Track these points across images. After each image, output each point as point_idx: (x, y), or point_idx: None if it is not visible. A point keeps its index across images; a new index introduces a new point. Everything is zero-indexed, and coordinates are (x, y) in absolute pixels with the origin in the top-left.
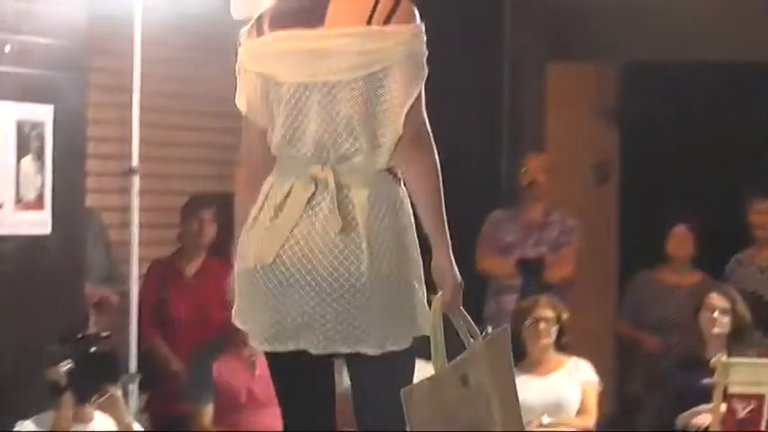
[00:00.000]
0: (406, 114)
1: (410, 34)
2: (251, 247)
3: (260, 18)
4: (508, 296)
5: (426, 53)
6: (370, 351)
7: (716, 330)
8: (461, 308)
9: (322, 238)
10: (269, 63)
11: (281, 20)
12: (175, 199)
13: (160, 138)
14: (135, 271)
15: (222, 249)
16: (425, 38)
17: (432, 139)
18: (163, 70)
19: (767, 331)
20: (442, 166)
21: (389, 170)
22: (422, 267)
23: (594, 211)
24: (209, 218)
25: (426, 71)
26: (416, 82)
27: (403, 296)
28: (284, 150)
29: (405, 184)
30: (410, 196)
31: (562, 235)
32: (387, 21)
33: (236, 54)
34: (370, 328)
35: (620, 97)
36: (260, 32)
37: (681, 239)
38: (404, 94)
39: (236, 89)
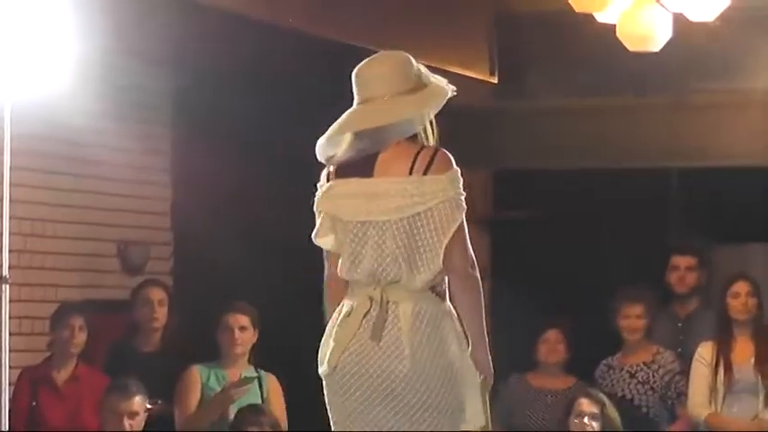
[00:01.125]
0: (450, 249)
1: (447, 181)
2: (324, 355)
3: (329, 169)
4: None
5: (463, 194)
6: None
7: None
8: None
9: (372, 345)
10: (336, 205)
11: (343, 170)
12: (46, 307)
13: (30, 246)
14: (5, 379)
15: (93, 357)
16: (462, 181)
17: (478, 275)
18: (33, 179)
19: None
20: None
21: (432, 288)
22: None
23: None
24: (79, 325)
25: (463, 210)
26: (453, 221)
27: (444, 396)
28: (349, 275)
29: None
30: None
31: None
32: (426, 171)
33: (110, 163)
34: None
35: (492, 204)
36: (328, 180)
37: (552, 344)
38: (441, 232)
39: (106, 196)
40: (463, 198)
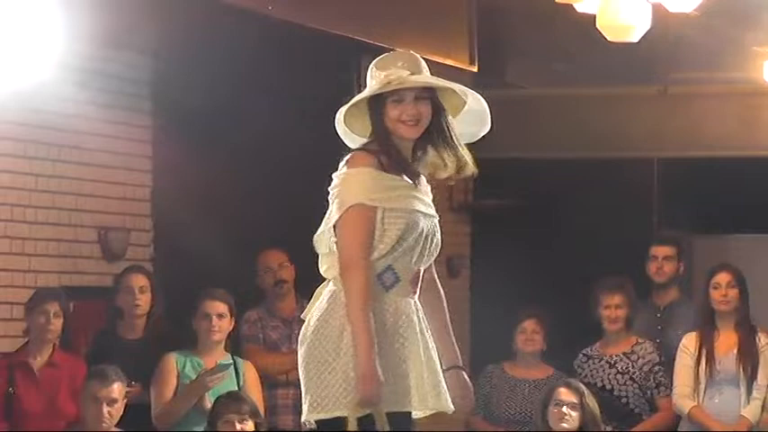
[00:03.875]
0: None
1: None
2: None
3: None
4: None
5: (346, 192)
6: None
7: (564, 425)
8: None
9: None
10: None
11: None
12: (25, 293)
13: (10, 232)
14: None
15: (74, 343)
16: (355, 182)
17: (356, 271)
18: (13, 164)
19: (618, 426)
20: None
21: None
22: None
23: (448, 303)
24: (54, 311)
25: (343, 208)
26: (334, 217)
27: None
28: None
29: None
30: None
31: None
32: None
33: (91, 149)
34: None
35: (472, 192)
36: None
37: (529, 334)
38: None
39: (87, 182)
40: (345, 196)
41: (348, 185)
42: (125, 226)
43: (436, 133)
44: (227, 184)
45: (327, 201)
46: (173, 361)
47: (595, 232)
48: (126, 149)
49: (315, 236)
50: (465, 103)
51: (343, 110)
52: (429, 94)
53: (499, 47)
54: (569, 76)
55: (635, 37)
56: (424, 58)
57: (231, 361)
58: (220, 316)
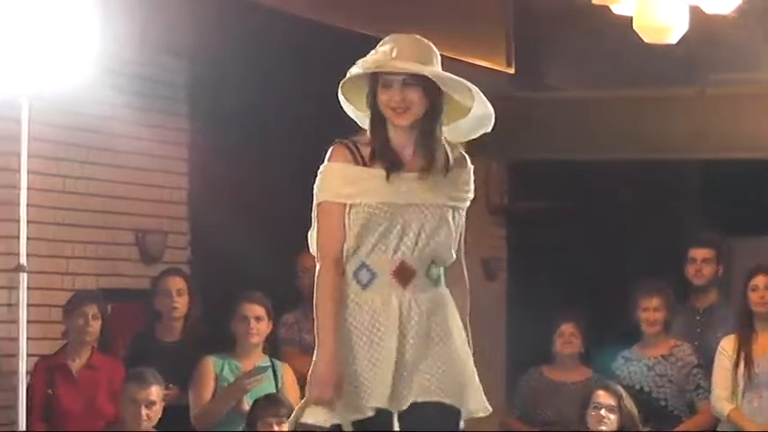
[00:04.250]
0: None
1: None
2: None
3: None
4: None
5: (319, 189)
6: None
7: (603, 428)
8: None
9: None
10: None
11: None
12: (63, 295)
13: (48, 235)
14: (23, 367)
15: (112, 345)
16: (324, 178)
17: (324, 267)
18: (49, 167)
19: (656, 428)
20: None
21: None
22: None
23: (484, 306)
24: (92, 313)
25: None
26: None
27: None
28: None
29: None
30: None
31: None
32: None
33: (128, 152)
34: None
35: (508, 194)
36: None
37: (567, 336)
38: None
39: (124, 185)
40: (317, 193)
41: (320, 182)
42: (162, 229)
43: (421, 127)
44: (264, 186)
45: None
46: (211, 364)
47: (633, 235)
48: (162, 152)
49: (308, 234)
50: (472, 99)
51: (339, 92)
52: (418, 81)
53: (537, 49)
54: (607, 79)
55: (673, 39)
56: (456, 59)
57: (269, 364)
58: (258, 319)
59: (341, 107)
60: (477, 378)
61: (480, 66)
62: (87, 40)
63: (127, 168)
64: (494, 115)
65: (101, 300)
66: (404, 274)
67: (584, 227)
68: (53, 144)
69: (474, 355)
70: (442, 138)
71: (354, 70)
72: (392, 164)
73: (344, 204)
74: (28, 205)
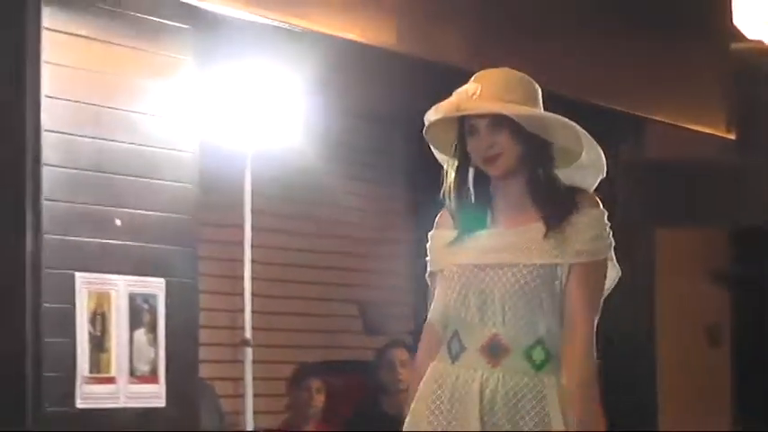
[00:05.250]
0: None
1: None
2: None
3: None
4: None
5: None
6: None
7: None
8: None
9: None
10: None
11: None
12: (285, 368)
13: (270, 308)
14: None
15: (334, 417)
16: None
17: None
18: (272, 240)
19: None
20: None
21: None
22: None
23: (708, 372)
24: (317, 387)
25: None
26: None
27: None
28: None
29: None
30: None
31: None
32: None
33: (348, 223)
34: None
35: (730, 260)
36: None
37: None
38: None
39: (345, 256)
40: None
41: (427, 251)
42: (385, 299)
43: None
44: None
45: None
46: None
47: None
48: (383, 223)
49: None
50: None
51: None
52: (509, 123)
53: (757, 112)
54: None
55: None
56: (677, 126)
57: None
58: None
59: None
60: None
61: (699, 131)
62: (309, 115)
63: (347, 239)
64: (604, 159)
65: (324, 373)
66: (495, 349)
67: None
68: (274, 217)
69: None
70: (558, 184)
71: (432, 116)
72: (477, 222)
73: (435, 273)
74: (252, 278)
